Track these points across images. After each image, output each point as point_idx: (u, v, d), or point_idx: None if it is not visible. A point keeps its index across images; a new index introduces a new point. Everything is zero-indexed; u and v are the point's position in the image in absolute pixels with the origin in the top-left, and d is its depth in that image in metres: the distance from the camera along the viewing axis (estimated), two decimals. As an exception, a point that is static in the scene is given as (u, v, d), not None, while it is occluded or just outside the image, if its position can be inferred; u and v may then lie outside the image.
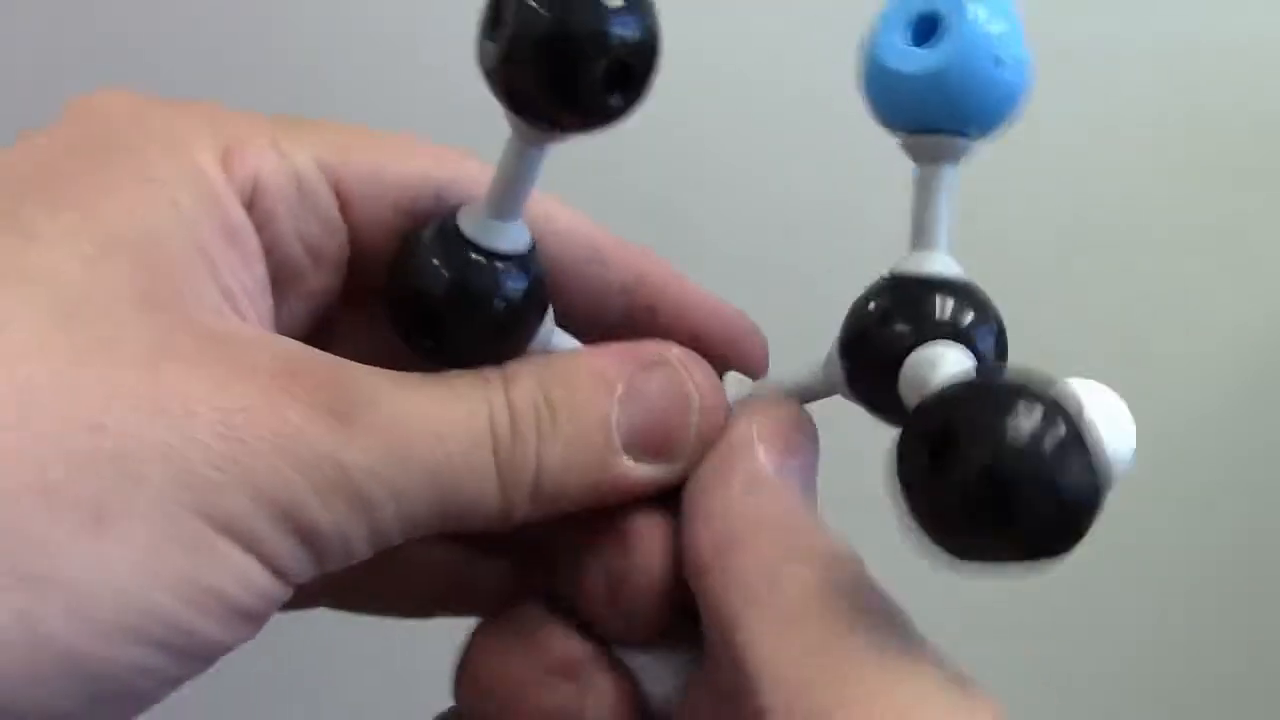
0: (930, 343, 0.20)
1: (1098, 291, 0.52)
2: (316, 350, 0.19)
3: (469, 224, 0.21)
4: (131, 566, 0.16)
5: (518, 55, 0.18)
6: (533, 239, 0.21)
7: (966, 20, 0.19)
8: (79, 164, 0.19)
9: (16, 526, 0.16)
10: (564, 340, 0.23)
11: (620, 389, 0.21)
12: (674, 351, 0.22)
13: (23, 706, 0.16)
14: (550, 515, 0.21)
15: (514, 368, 0.21)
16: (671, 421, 0.21)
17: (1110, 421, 0.18)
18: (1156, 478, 0.52)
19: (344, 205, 0.22)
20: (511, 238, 0.21)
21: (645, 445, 0.21)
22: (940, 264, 0.20)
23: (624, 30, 0.18)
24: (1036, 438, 0.16)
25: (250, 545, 0.17)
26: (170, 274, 0.19)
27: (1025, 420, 0.16)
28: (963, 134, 0.20)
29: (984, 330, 0.20)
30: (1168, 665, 0.56)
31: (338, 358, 0.19)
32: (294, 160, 0.21)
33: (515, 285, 0.21)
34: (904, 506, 0.17)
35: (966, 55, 0.19)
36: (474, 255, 0.21)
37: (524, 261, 0.21)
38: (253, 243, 0.20)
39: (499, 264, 0.21)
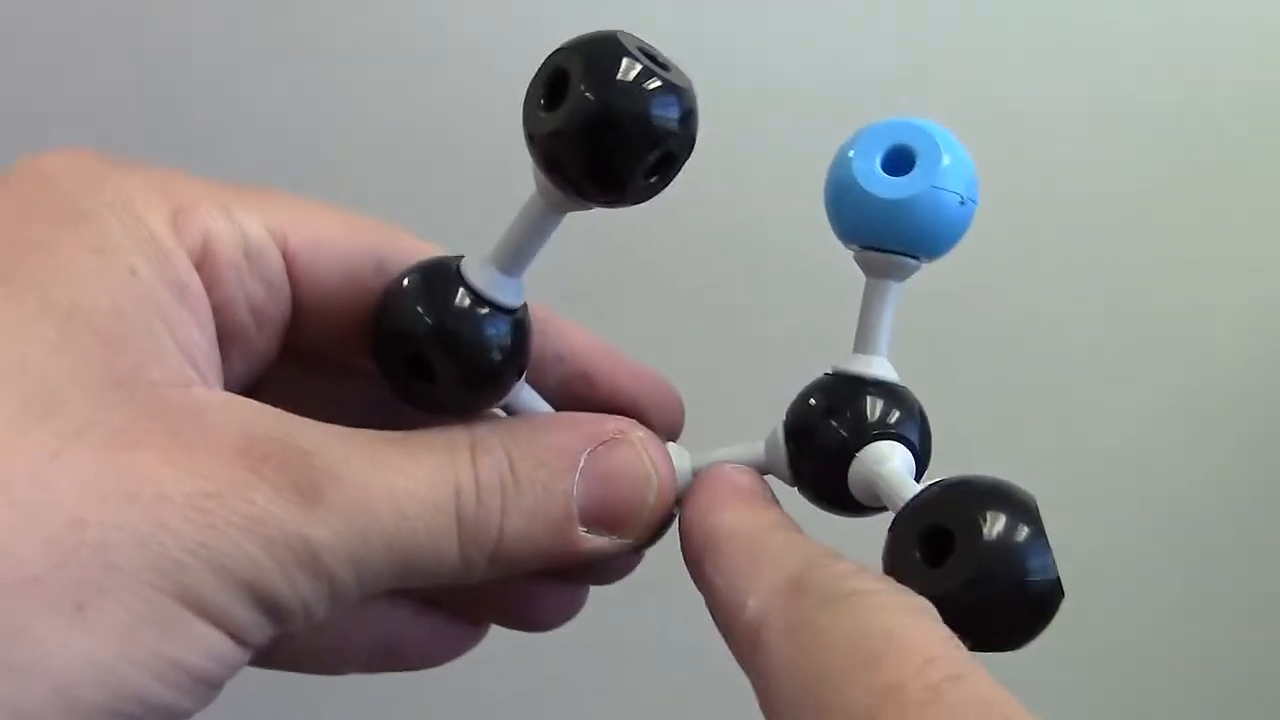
0: (876, 442, 0.22)
1: (1098, 288, 0.54)
2: (279, 417, 0.20)
3: (474, 274, 0.21)
4: (109, 650, 0.17)
5: (576, 132, 0.19)
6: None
7: (941, 160, 0.21)
8: (35, 236, 0.19)
9: (2, 619, 0.16)
10: (531, 396, 0.23)
11: (583, 463, 0.22)
12: (638, 432, 0.23)
13: None
14: (505, 574, 0.22)
15: (482, 434, 0.21)
16: (629, 500, 0.22)
17: None
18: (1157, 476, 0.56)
19: (289, 270, 0.22)
20: (513, 292, 0.21)
21: (601, 520, 0.22)
22: (879, 368, 0.23)
23: (678, 125, 0.19)
24: (1017, 540, 0.18)
25: (218, 620, 0.18)
26: (132, 347, 0.19)
27: (1010, 523, 0.18)
28: (914, 256, 0.22)
29: (910, 424, 0.22)
30: (1165, 667, 0.59)
31: (300, 424, 0.20)
32: (243, 224, 0.21)
33: (509, 337, 0.21)
34: None
35: (940, 192, 0.21)
36: (479, 304, 0.21)
37: (519, 316, 0.22)
38: (204, 303, 0.21)
39: (499, 314, 0.21)
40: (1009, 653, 0.19)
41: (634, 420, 0.23)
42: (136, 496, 0.17)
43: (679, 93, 0.19)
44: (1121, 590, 0.58)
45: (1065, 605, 0.19)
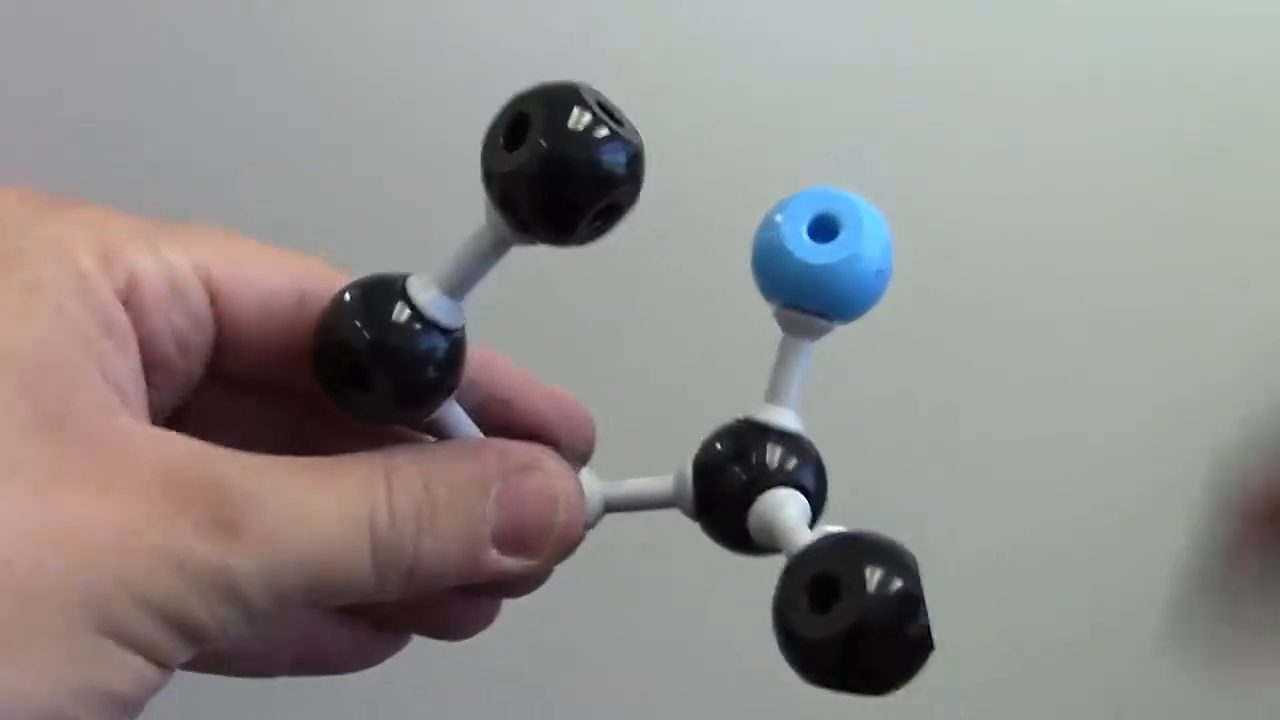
0: (775, 489, 0.23)
1: (1096, 287, 0.56)
2: (200, 449, 0.21)
3: (418, 292, 0.22)
4: (38, 682, 0.18)
5: (531, 175, 0.20)
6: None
7: (864, 232, 0.23)
8: None
9: None
10: (459, 415, 0.24)
11: (495, 490, 0.23)
12: (549, 462, 0.24)
13: None
14: (419, 592, 0.23)
15: (399, 460, 0.23)
16: (538, 524, 0.24)
17: None
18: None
19: (213, 302, 0.23)
20: (453, 314, 0.23)
21: (512, 543, 0.23)
22: (785, 419, 0.24)
23: (626, 177, 0.21)
24: (899, 594, 0.20)
25: (141, 649, 0.20)
26: (58, 383, 0.20)
27: (894, 578, 0.20)
28: (828, 319, 0.24)
29: (807, 472, 0.24)
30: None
31: (220, 455, 0.21)
32: (169, 260, 0.23)
33: (445, 357, 0.22)
34: (781, 641, 0.20)
35: (858, 260, 0.23)
36: (419, 321, 0.22)
37: (456, 337, 0.23)
38: (129, 335, 0.22)
39: (439, 336, 0.22)
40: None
41: (546, 448, 0.25)
42: (61, 537, 0.19)
43: (628, 146, 0.21)
44: (1116, 587, 0.59)
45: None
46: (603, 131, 0.20)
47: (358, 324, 0.22)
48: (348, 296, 0.22)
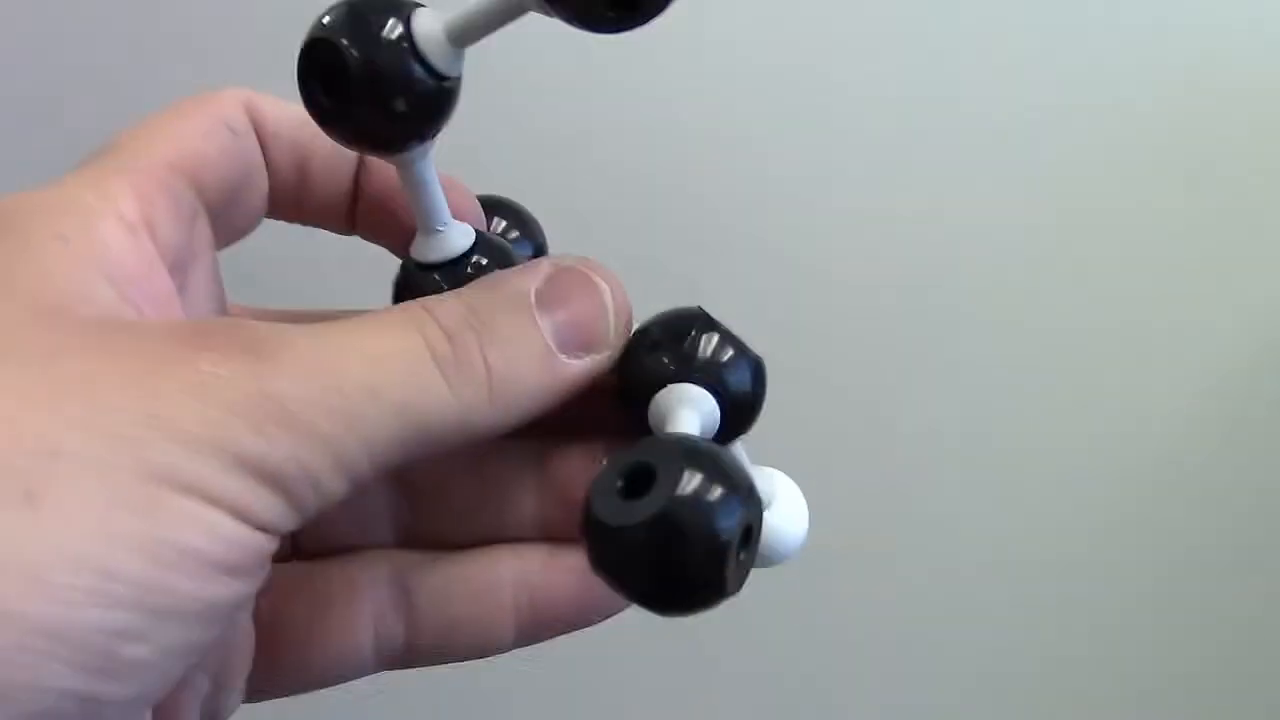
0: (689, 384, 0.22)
1: (1098, 284, 0.56)
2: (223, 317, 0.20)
3: (422, 26, 0.21)
4: (80, 534, 0.16)
5: None
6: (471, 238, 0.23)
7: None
8: None
9: None
10: (428, 172, 0.23)
11: (534, 298, 0.22)
12: (566, 259, 0.23)
13: (15, 693, 0.16)
14: (515, 423, 0.21)
15: (431, 299, 0.21)
16: (591, 314, 0.22)
17: (785, 513, 0.23)
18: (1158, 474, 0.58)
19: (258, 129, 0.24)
20: (452, 62, 0.21)
21: (575, 340, 0.22)
22: None
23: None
24: (712, 500, 0.18)
25: (205, 495, 0.17)
26: (58, 290, 0.19)
27: (713, 483, 0.18)
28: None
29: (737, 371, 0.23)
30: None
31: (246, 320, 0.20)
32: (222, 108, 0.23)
33: (428, 96, 0.21)
34: (583, 527, 0.19)
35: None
36: (413, 54, 0.21)
37: (447, 87, 0.21)
38: (149, 249, 0.21)
39: (427, 74, 0.21)
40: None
41: (554, 258, 0.23)
42: (68, 389, 0.17)
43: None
44: (1107, 587, 0.60)
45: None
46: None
47: (345, 40, 0.20)
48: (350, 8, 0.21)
